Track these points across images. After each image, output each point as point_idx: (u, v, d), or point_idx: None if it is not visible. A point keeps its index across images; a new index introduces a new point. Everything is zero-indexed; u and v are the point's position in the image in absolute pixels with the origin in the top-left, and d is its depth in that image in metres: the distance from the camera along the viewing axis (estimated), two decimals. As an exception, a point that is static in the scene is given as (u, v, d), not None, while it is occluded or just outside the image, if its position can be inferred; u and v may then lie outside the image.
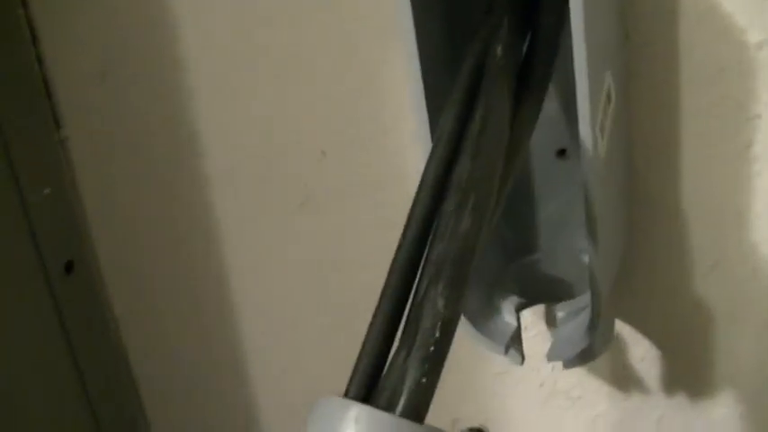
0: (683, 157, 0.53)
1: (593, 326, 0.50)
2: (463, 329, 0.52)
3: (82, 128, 0.67)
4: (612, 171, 0.51)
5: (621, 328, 0.59)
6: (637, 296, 0.58)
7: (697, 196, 0.54)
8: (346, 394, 0.37)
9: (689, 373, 0.59)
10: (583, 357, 0.54)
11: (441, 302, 0.36)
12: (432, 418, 0.66)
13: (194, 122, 0.65)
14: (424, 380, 0.35)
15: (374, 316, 0.38)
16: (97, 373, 0.71)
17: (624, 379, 0.60)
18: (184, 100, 0.64)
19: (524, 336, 0.61)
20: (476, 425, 0.66)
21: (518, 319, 0.53)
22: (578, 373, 0.62)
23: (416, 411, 0.35)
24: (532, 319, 0.60)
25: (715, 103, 0.51)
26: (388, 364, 0.37)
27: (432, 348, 0.35)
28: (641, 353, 0.59)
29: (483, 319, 0.53)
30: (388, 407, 0.35)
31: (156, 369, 0.77)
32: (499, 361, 0.56)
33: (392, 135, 0.59)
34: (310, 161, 0.62)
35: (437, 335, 0.35)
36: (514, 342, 0.53)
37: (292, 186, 0.64)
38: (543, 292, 0.57)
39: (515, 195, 0.57)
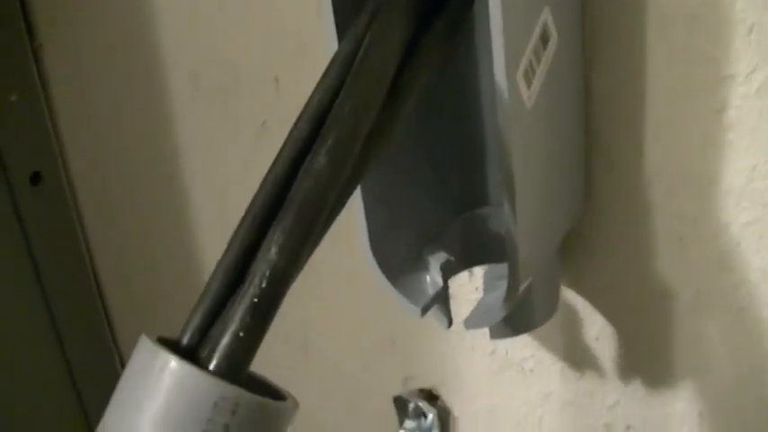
0: (647, 117, 0.47)
1: (509, 294, 0.44)
2: (383, 284, 0.48)
3: (57, 37, 0.65)
4: (550, 125, 0.45)
5: (576, 300, 0.53)
6: (592, 268, 0.52)
7: (662, 162, 0.47)
8: (179, 339, 0.34)
9: (648, 359, 0.53)
10: (512, 327, 0.50)
11: (274, 250, 0.33)
12: (384, 373, 0.61)
13: (163, 46, 0.62)
14: (241, 334, 0.32)
15: (224, 253, 0.35)
16: (62, 288, 0.70)
17: (578, 358, 0.55)
18: (152, 20, 0.61)
19: (473, 298, 0.56)
20: (427, 386, 0.61)
21: (445, 279, 0.48)
22: (532, 345, 0.56)
23: (230, 368, 0.32)
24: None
25: (683, 57, 0.45)
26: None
27: (255, 300, 0.32)
28: (596, 331, 0.53)
29: (401, 275, 0.48)
30: (207, 359, 0.32)
31: (121, 284, 0.76)
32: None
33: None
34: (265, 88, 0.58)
35: (263, 285, 0.32)
36: (439, 303, 0.48)
37: (249, 114, 0.61)
38: (487, 252, 0.52)
39: (469, 142, 0.52)
